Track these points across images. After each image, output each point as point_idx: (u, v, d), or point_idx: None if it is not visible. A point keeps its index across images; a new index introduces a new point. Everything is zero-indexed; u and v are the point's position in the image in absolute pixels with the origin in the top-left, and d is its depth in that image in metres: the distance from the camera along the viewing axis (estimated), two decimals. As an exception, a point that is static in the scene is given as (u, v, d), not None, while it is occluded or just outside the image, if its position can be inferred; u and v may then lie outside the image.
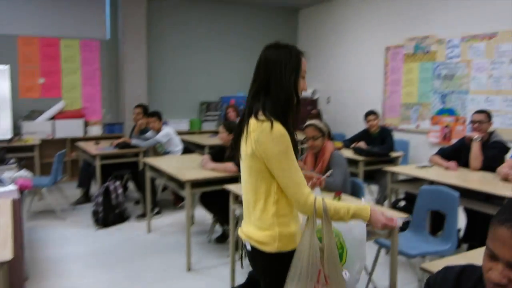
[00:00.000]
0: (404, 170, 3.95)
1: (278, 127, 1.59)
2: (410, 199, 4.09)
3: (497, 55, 4.98)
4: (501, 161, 3.72)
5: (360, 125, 6.50)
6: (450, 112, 5.58)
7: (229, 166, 3.82)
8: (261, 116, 1.62)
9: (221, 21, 7.90)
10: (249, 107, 1.68)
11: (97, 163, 5.05)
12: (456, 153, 3.99)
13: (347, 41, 7.30)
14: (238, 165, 3.73)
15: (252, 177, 1.68)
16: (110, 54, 7.17)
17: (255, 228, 1.70)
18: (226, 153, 4.12)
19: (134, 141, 5.37)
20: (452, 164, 3.76)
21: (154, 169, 4.40)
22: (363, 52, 6.96)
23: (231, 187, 3.32)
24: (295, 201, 1.63)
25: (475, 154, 3.68)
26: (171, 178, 3.98)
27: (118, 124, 7.08)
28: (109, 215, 4.75)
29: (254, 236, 1.69)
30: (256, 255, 1.71)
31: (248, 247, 1.73)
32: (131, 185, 6.06)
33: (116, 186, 4.97)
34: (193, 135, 7.15)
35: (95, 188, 5.10)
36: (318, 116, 6.98)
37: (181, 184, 3.73)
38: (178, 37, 7.54)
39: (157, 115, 5.38)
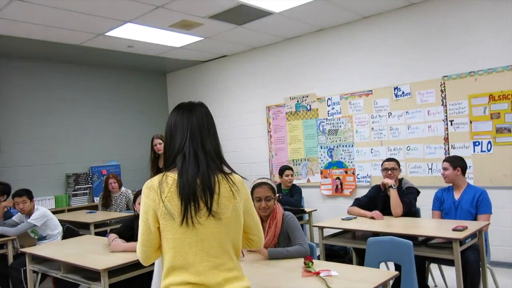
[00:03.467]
0: (331, 224, 3.87)
1: None
2: (330, 254, 4.04)
3: (376, 110, 5.49)
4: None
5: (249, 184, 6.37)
6: (339, 164, 5.87)
7: None
8: (227, 170, 1.65)
9: (87, 84, 7.16)
10: (207, 163, 1.60)
11: None
12: (371, 202, 4.10)
13: (225, 102, 7.29)
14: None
15: (237, 232, 1.62)
16: None
17: (237, 280, 1.58)
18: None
19: (-1, 229, 4.25)
20: (377, 213, 3.82)
21: (38, 261, 3.50)
22: (244, 112, 7.02)
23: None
24: (259, 237, 1.76)
25: (396, 201, 3.82)
26: (72, 270, 3.18)
27: (-40, 210, 5.59)
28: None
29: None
30: None
31: None
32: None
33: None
34: (62, 213, 6.07)
35: None
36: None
37: (89, 275, 2.99)
38: (34, 102, 6.53)
39: (27, 193, 4.40)
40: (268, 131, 6.66)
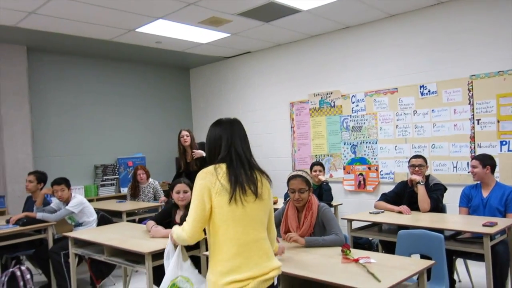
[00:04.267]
0: (360, 217, 3.98)
1: None
2: (356, 247, 4.14)
3: (401, 107, 5.56)
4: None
5: (277, 177, 6.52)
6: (362, 161, 5.96)
7: None
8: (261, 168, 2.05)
9: (114, 78, 7.34)
10: (248, 162, 2.00)
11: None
12: (398, 197, 4.20)
13: (248, 98, 7.42)
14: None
15: (270, 213, 2.06)
16: (-18, 116, 6.01)
17: (275, 260, 1.98)
18: (177, 215, 3.64)
19: (40, 215, 4.44)
20: (405, 207, 3.91)
21: (79, 245, 3.69)
22: (267, 107, 7.13)
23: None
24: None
25: (424, 196, 3.90)
26: (114, 253, 3.34)
27: (-2, 197, 5.84)
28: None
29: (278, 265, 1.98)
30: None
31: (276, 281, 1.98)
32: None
33: (23, 271, 4.01)
34: (91, 203, 6.22)
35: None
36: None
37: (131, 258, 3.16)
38: (65, 94, 6.73)
39: (65, 182, 4.59)
40: (291, 127, 6.77)
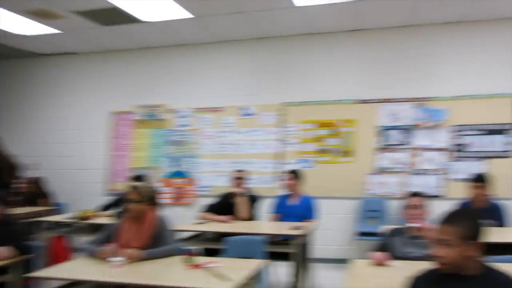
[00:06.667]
0: (187, 227, 4.14)
1: None
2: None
3: (223, 125, 6.03)
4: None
5: (87, 190, 6.36)
6: (182, 174, 6.18)
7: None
8: None
9: None
10: None
11: None
12: (221, 207, 4.54)
13: (62, 101, 6.85)
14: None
15: None
16: None
17: None
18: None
19: None
20: (227, 217, 4.27)
21: None
22: (83, 115, 6.70)
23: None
24: None
25: (245, 206, 4.34)
26: None
27: None
28: None
29: None
30: None
31: None
32: None
33: None
34: None
35: None
36: (37, 183, 6.18)
37: None
38: None
39: None
40: (110, 137, 6.53)
